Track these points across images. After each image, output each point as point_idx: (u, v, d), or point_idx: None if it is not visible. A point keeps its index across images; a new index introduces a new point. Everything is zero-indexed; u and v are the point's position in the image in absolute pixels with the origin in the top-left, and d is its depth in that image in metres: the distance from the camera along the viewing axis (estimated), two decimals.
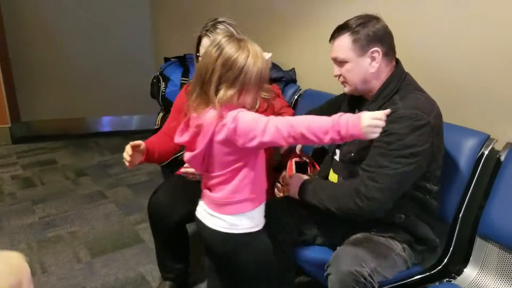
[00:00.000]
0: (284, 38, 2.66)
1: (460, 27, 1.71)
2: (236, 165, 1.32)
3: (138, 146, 1.62)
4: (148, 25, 4.21)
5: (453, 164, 1.58)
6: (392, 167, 1.34)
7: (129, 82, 4.22)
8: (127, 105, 4.36)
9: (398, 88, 1.45)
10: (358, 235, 1.49)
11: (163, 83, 2.88)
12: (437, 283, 1.55)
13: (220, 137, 1.27)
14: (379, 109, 1.41)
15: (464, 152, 1.58)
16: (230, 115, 1.26)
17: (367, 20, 1.46)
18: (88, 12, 4.05)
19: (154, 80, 2.98)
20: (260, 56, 1.30)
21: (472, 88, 1.70)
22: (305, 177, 1.63)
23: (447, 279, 1.56)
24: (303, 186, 1.56)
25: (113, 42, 4.17)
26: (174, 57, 3.08)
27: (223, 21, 1.79)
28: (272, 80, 2.50)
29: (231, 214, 1.36)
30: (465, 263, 1.57)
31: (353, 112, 1.34)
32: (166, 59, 3.11)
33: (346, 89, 1.55)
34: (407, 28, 1.90)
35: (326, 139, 1.20)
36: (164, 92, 2.87)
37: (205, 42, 1.78)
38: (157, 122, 2.96)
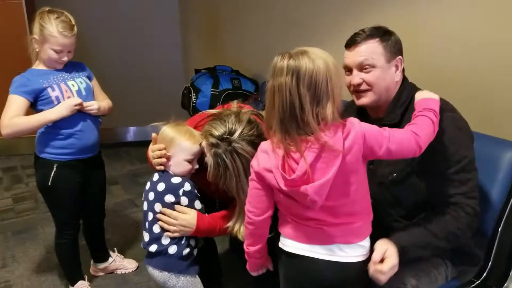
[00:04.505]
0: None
1: (489, 35, 1.69)
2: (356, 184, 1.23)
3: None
4: (177, 38, 4.27)
5: (491, 176, 1.54)
6: (472, 175, 1.36)
7: (158, 94, 4.28)
8: (155, 116, 4.42)
9: (412, 93, 1.45)
10: None
11: (194, 94, 2.91)
12: None
13: (352, 156, 1.19)
14: (404, 114, 1.44)
15: (502, 164, 1.54)
16: (353, 129, 1.19)
17: (387, 29, 1.47)
18: (119, 26, 4.13)
19: (185, 91, 3.03)
20: (329, 56, 1.23)
21: (509, 97, 1.67)
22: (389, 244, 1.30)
23: None
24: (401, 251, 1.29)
25: (143, 54, 4.24)
26: (205, 69, 3.12)
27: (236, 152, 1.43)
28: None
29: (366, 237, 1.29)
30: (505, 278, 1.53)
31: None
32: (197, 71, 3.15)
33: (365, 100, 1.47)
34: (432, 40, 1.89)
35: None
36: (194, 103, 2.90)
37: (207, 159, 1.48)
38: None
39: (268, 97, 1.23)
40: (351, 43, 1.47)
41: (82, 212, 2.16)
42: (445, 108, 1.40)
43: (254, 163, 1.31)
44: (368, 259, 1.28)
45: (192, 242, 1.66)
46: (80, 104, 1.92)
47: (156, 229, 1.62)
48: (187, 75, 3.88)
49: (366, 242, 1.29)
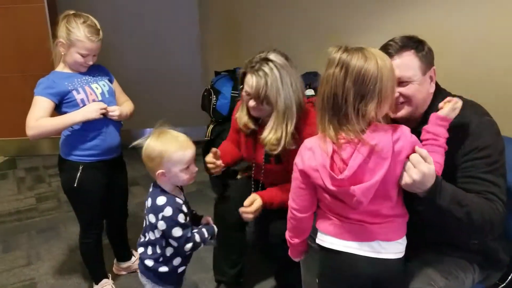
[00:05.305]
0: None
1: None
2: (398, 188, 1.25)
3: (215, 152, 1.88)
4: (197, 41, 4.30)
5: None
6: (503, 180, 1.35)
7: (177, 96, 4.32)
8: (174, 117, 4.44)
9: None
10: (429, 253, 1.46)
11: (214, 96, 2.94)
12: None
13: (400, 161, 1.20)
14: None
15: None
16: (404, 136, 1.21)
17: (419, 39, 1.43)
18: (139, 29, 4.19)
19: (205, 93, 3.06)
20: (387, 58, 1.25)
21: None
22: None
23: None
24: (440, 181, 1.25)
25: (162, 57, 4.27)
26: (225, 71, 3.15)
27: (271, 60, 1.71)
28: None
29: (403, 235, 1.31)
30: None
31: None
32: (217, 73, 3.18)
33: (402, 112, 1.44)
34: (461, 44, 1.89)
35: None
36: (215, 104, 2.93)
37: (249, 79, 1.74)
38: (207, 134, 3.03)
39: (319, 87, 1.27)
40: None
41: (106, 212, 2.20)
42: (482, 112, 1.41)
43: (298, 160, 1.33)
44: (404, 257, 1.31)
45: (176, 262, 1.62)
46: (105, 109, 1.95)
47: (147, 236, 1.61)
48: (207, 78, 3.91)
49: (404, 241, 1.31)
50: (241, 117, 1.90)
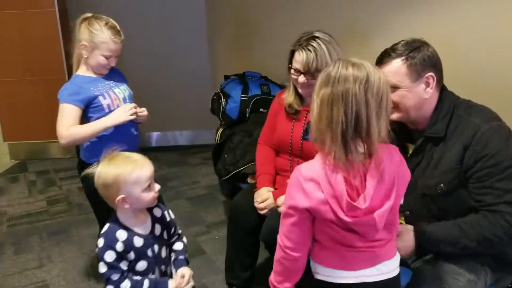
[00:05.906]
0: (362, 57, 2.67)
1: None
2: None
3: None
4: (205, 44, 4.32)
5: None
6: None
7: (184, 99, 4.34)
8: (181, 121, 4.48)
9: (454, 104, 1.45)
10: (440, 256, 1.46)
11: (224, 100, 2.95)
12: None
13: (404, 181, 1.20)
14: (448, 126, 1.42)
15: None
16: (402, 161, 1.21)
17: (419, 45, 1.43)
18: (147, 33, 4.19)
19: (215, 97, 3.07)
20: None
21: None
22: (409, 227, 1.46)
23: None
24: (421, 236, 1.37)
25: (170, 61, 4.29)
26: (234, 75, 3.16)
27: (318, 37, 1.83)
28: None
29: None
30: None
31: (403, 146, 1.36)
32: (226, 77, 3.20)
33: (394, 116, 1.45)
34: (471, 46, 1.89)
35: None
36: (224, 108, 2.94)
37: (298, 56, 1.85)
38: (217, 137, 3.04)
39: (321, 108, 1.13)
40: (378, 62, 1.46)
41: None
42: (491, 117, 1.41)
43: (299, 197, 1.17)
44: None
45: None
46: (135, 108, 1.94)
47: None
48: (216, 81, 3.93)
49: (398, 255, 1.31)
50: (287, 97, 2.00)
